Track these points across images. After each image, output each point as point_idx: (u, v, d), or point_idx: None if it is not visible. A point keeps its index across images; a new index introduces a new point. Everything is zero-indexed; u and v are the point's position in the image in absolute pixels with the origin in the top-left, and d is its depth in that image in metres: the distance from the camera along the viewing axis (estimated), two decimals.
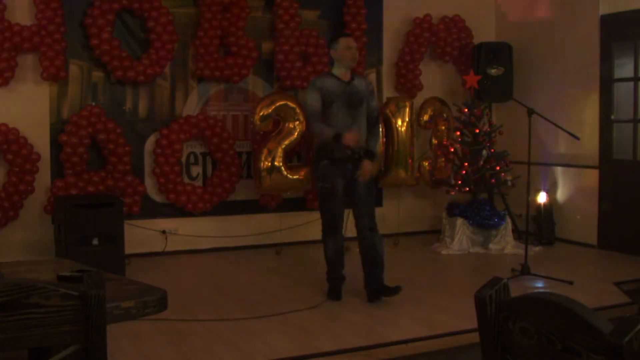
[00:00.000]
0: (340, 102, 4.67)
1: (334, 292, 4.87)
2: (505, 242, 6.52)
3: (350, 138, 4.59)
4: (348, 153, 4.66)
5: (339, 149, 4.65)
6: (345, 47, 4.73)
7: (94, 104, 6.10)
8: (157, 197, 6.42)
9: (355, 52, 4.78)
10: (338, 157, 4.69)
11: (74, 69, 6.07)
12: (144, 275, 5.32)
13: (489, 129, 6.66)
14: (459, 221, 6.53)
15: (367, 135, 4.84)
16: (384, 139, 6.82)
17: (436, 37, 7.33)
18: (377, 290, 4.76)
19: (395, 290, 4.71)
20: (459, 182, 6.57)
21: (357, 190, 4.73)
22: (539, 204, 6.87)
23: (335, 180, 4.71)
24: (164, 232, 6.41)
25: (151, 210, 6.38)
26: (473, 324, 1.62)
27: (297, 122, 6.42)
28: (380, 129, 6.21)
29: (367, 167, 4.72)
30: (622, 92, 6.51)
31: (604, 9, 6.49)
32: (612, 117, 6.54)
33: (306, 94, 4.92)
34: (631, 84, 6.39)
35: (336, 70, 4.81)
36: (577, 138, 5.47)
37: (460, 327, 4.20)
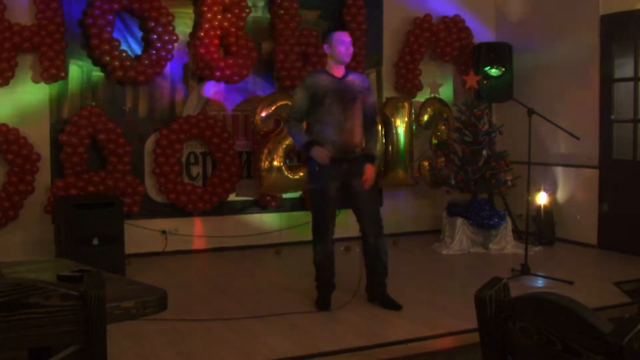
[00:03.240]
0: (332, 98, 4.50)
1: (323, 302, 4.65)
2: (505, 242, 6.51)
3: (321, 155, 4.42)
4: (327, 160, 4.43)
5: (331, 149, 4.47)
6: (338, 41, 4.55)
7: (93, 104, 6.10)
8: (157, 197, 6.42)
9: (348, 47, 4.56)
10: (332, 157, 4.47)
11: (74, 69, 6.07)
12: (144, 275, 5.32)
13: (489, 129, 6.66)
14: (459, 221, 6.53)
15: (365, 136, 4.67)
16: (384, 139, 6.83)
17: (436, 37, 7.33)
18: (379, 295, 4.71)
19: (396, 307, 4.61)
20: (459, 182, 6.57)
21: (358, 193, 4.58)
22: (539, 204, 6.87)
23: (328, 182, 4.51)
24: (164, 232, 6.40)
25: (151, 210, 6.38)
26: (473, 324, 1.62)
27: None
28: (380, 129, 6.17)
29: (371, 172, 4.57)
30: (622, 92, 6.51)
31: (604, 9, 6.49)
32: (612, 117, 6.54)
33: (295, 90, 4.74)
34: (631, 84, 6.39)
35: (329, 66, 4.63)
36: (577, 138, 5.47)
37: (460, 327, 4.19)
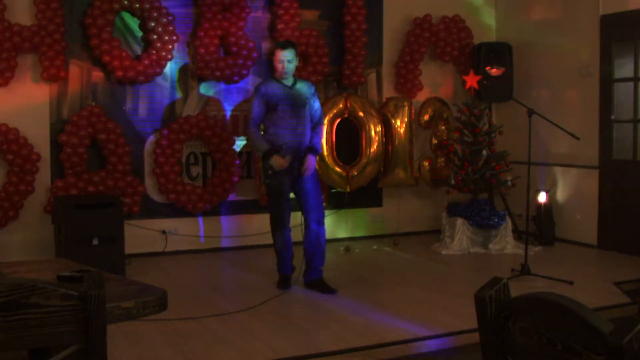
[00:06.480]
0: (285, 104, 4.97)
1: (284, 283, 5.18)
2: (505, 242, 6.51)
3: (278, 163, 4.91)
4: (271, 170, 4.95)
5: (285, 149, 4.93)
6: (276, 60, 5.00)
7: (93, 104, 6.10)
8: (157, 197, 6.42)
9: (285, 65, 4.94)
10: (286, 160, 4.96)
11: (74, 69, 6.07)
12: (144, 275, 5.32)
13: (489, 129, 6.66)
14: (459, 221, 6.53)
15: (311, 134, 5.11)
16: (384, 139, 6.84)
17: (436, 37, 7.33)
18: (316, 282, 5.10)
19: (332, 291, 5.01)
20: (459, 182, 6.57)
21: (304, 186, 5.04)
22: (539, 204, 6.87)
23: (282, 178, 4.98)
24: (164, 232, 6.40)
25: (151, 210, 6.38)
26: (473, 324, 1.62)
27: None
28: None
29: (310, 162, 5.03)
30: (622, 92, 6.51)
31: (604, 9, 6.49)
32: (612, 117, 6.54)
33: (251, 98, 5.15)
34: (631, 84, 6.39)
35: (278, 75, 5.05)
36: (577, 138, 5.47)
37: (460, 327, 4.20)
